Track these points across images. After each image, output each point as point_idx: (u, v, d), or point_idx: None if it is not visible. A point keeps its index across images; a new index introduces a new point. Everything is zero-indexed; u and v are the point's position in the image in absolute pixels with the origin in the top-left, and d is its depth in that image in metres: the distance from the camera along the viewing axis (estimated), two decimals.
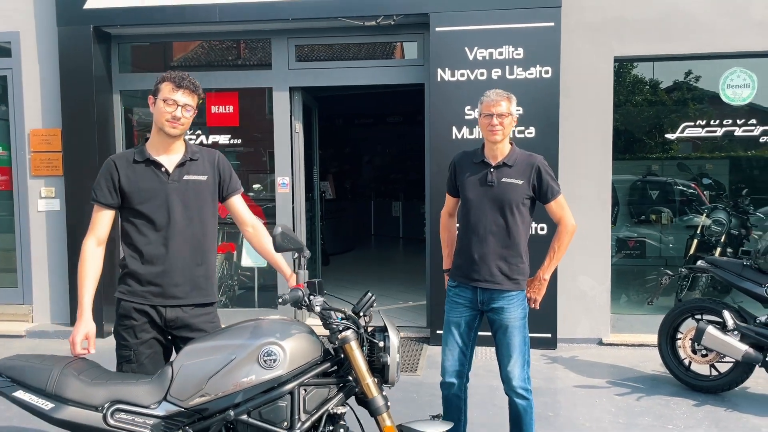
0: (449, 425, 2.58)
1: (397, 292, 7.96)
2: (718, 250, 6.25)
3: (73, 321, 6.21)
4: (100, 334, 4.14)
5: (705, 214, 6.36)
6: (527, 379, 3.26)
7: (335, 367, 2.55)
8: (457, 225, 3.48)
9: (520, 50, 5.54)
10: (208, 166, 2.87)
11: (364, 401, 2.49)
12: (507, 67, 5.57)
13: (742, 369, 4.45)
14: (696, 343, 4.53)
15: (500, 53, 5.57)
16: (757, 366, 4.37)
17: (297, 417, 2.40)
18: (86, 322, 2.69)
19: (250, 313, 6.14)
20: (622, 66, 6.07)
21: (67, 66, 6.10)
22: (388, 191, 14.69)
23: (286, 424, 2.39)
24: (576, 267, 5.76)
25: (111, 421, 2.37)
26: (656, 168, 6.61)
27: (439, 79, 5.64)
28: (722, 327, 4.45)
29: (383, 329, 2.56)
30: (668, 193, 6.64)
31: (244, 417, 2.38)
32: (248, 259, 6.69)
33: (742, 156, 6.29)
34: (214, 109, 6.42)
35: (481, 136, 5.45)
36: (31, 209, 6.38)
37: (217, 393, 2.39)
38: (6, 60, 6.34)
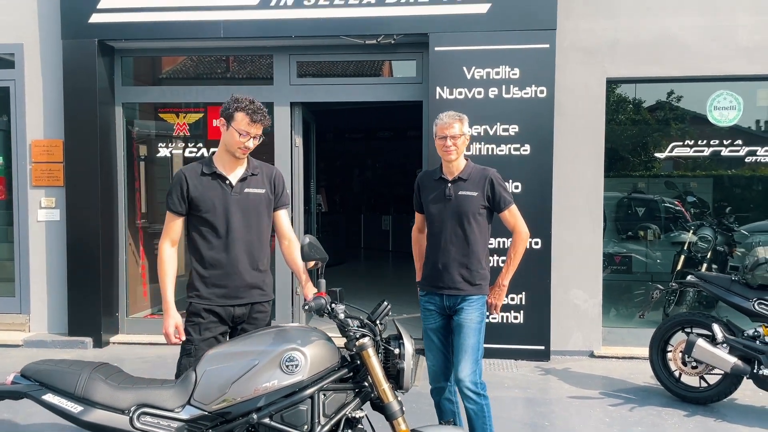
0: (462, 430, 2.69)
1: (392, 305, 8.02)
2: (704, 265, 6.44)
3: (71, 331, 6.27)
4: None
5: (692, 231, 6.55)
6: (479, 383, 3.36)
7: (351, 373, 2.66)
8: None
9: (516, 70, 5.71)
10: (266, 180, 3.17)
11: (380, 406, 2.60)
12: (503, 86, 5.74)
13: (731, 381, 4.58)
14: (686, 356, 4.65)
15: (497, 73, 5.74)
16: (745, 378, 4.50)
17: (317, 420, 2.51)
18: (173, 315, 3.02)
19: None
20: (615, 86, 6.27)
21: (70, 78, 6.18)
22: (378, 205, 14.84)
23: (306, 427, 2.50)
24: (569, 281, 5.91)
25: (137, 424, 2.47)
26: (642, 186, 6.81)
27: (437, 97, 5.79)
28: (711, 340, 4.58)
29: (398, 337, 2.68)
30: (654, 210, 6.84)
31: (267, 420, 2.48)
32: None
33: (724, 175, 6.51)
34: (215, 122, 6.52)
35: (476, 152, 5.66)
36: (31, 219, 6.41)
37: (240, 397, 2.49)
38: (9, 71, 6.40)
